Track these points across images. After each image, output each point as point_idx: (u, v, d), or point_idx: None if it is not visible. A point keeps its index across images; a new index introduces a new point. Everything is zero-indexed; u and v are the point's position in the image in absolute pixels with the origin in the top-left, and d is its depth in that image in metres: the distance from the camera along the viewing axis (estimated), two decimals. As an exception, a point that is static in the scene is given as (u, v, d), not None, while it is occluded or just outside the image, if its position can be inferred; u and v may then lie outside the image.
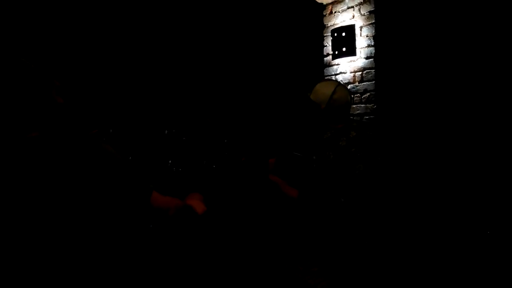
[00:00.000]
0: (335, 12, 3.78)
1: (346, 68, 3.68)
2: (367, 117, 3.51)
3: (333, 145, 2.11)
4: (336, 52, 3.63)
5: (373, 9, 3.42)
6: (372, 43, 3.45)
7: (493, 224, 2.86)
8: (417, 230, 3.18)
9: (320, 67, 3.97)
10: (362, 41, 3.52)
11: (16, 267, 1.33)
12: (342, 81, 3.72)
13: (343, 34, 3.55)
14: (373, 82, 3.46)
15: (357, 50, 3.55)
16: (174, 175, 3.84)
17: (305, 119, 2.30)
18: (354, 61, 3.60)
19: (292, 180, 2.28)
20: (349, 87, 3.66)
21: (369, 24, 3.47)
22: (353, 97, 3.63)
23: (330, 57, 3.84)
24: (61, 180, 1.39)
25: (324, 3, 3.85)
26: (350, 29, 3.53)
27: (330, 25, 3.82)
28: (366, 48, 3.50)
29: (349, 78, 3.66)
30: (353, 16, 3.58)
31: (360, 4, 3.52)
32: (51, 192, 1.38)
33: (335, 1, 3.77)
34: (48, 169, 1.39)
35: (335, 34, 3.61)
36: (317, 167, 2.16)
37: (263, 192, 3.48)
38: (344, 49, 3.56)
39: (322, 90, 2.15)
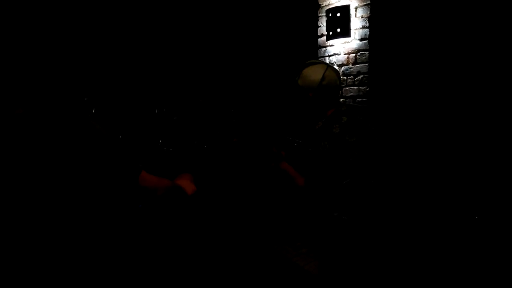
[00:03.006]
0: (330, -9, 3.71)
1: (340, 50, 3.63)
2: (360, 99, 3.49)
3: (327, 134, 2.07)
4: (331, 33, 3.58)
5: (369, -11, 3.36)
6: (367, 25, 3.41)
7: (480, 206, 2.89)
8: (409, 215, 3.21)
9: (314, 48, 3.92)
10: (357, 22, 3.47)
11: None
12: (335, 62, 3.68)
13: (338, 14, 3.49)
14: (367, 64, 3.43)
15: (352, 31, 3.51)
16: (165, 155, 3.81)
17: (295, 104, 2.24)
18: (348, 42, 3.55)
19: (298, 168, 2.25)
20: (342, 68, 3.63)
21: (364, 5, 3.42)
22: (346, 79, 3.60)
23: (324, 38, 3.78)
24: (47, 157, 1.36)
25: (320, -18, 3.78)
26: (345, 9, 3.48)
27: (325, 5, 3.75)
28: (361, 30, 3.45)
29: (343, 59, 3.62)
30: (349, -4, 3.52)
31: (356, -16, 3.46)
32: (37, 170, 1.36)
33: (330, -20, 3.70)
34: (35, 146, 1.36)
35: (330, 14, 3.55)
36: (315, 157, 2.13)
37: (272, 179, 3.46)
38: (338, 30, 3.51)
39: (310, 76, 2.06)
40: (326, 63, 2.17)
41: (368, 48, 3.41)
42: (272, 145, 2.32)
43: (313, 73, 2.06)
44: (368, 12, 3.39)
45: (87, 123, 1.46)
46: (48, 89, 1.51)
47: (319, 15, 3.85)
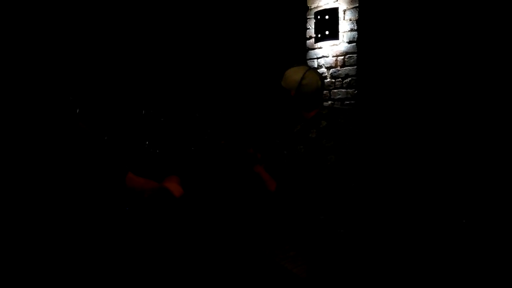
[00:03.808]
0: (319, -6, 3.72)
1: (328, 52, 3.64)
2: (348, 102, 3.50)
3: (303, 138, 2.09)
4: (319, 35, 3.58)
5: (357, -8, 3.38)
6: (355, 27, 3.42)
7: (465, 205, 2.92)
8: (396, 217, 3.22)
9: (303, 50, 3.92)
10: (345, 25, 3.49)
11: None
12: (324, 65, 3.69)
13: (327, 17, 3.50)
14: (355, 67, 3.44)
15: (340, 34, 3.52)
16: (151, 156, 3.76)
17: (278, 106, 2.26)
18: (336, 45, 3.56)
19: (273, 172, 2.26)
20: (330, 71, 3.63)
21: (352, 8, 3.43)
22: (335, 81, 3.61)
23: (312, 40, 3.79)
24: (31, 157, 1.33)
25: (308, -16, 3.78)
26: (334, 12, 3.49)
27: (314, 7, 3.76)
28: (349, 32, 3.47)
29: (331, 62, 3.62)
30: (337, -1, 3.53)
31: (344, -14, 3.47)
32: (21, 170, 1.32)
33: (319, -17, 3.70)
34: (19, 146, 1.33)
35: (318, 17, 3.56)
36: (288, 161, 2.14)
37: (245, 181, 3.45)
38: (327, 32, 3.52)
39: (292, 76, 2.11)
40: (308, 66, 2.19)
41: (356, 50, 3.43)
42: (249, 147, 2.32)
43: (294, 73, 2.12)
44: (357, 15, 3.40)
45: (72, 123, 1.43)
46: (32, 89, 1.48)
47: (308, 17, 3.85)
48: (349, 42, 3.47)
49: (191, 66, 4.88)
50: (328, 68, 3.66)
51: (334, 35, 3.51)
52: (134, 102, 4.16)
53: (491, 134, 2.88)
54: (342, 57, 3.53)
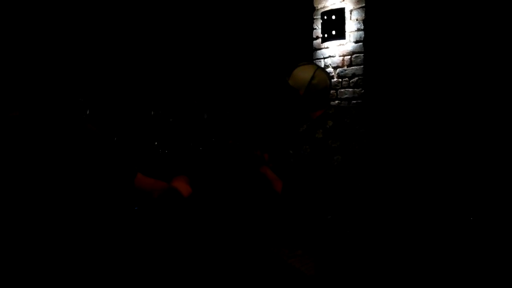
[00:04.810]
0: (325, -6, 3.73)
1: (335, 52, 3.65)
2: (355, 101, 3.51)
3: (310, 138, 2.08)
4: (326, 35, 3.60)
5: (363, -8, 3.38)
6: (362, 27, 3.43)
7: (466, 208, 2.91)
8: (399, 215, 3.23)
9: (309, 50, 3.94)
10: (352, 25, 3.49)
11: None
12: (330, 64, 3.70)
13: (333, 17, 3.51)
14: (362, 66, 3.45)
15: (347, 34, 3.53)
16: (160, 156, 3.80)
17: (284, 105, 2.24)
18: (343, 44, 3.57)
19: (279, 173, 2.26)
20: (337, 71, 3.64)
21: (359, 8, 3.44)
22: (341, 81, 3.62)
23: (319, 40, 3.80)
24: (42, 159, 1.36)
25: (315, -16, 3.80)
26: (340, 12, 3.49)
27: (320, 8, 3.78)
28: (356, 32, 3.47)
29: (338, 61, 3.63)
30: (344, -1, 3.55)
31: (350, -14, 3.48)
32: (32, 172, 1.36)
33: (325, -17, 3.72)
34: (31, 148, 1.36)
35: (325, 17, 3.57)
36: (294, 161, 2.13)
37: (252, 182, 3.47)
38: (333, 32, 3.53)
39: (301, 75, 2.08)
40: (317, 65, 2.18)
41: (363, 50, 3.43)
42: (256, 148, 2.33)
43: (303, 72, 2.09)
44: (363, 15, 3.41)
45: (82, 124, 1.46)
46: (43, 91, 1.51)
47: (315, 17, 3.87)
48: (356, 42, 3.47)
49: (199, 67, 4.91)
50: (335, 68, 3.67)
51: (341, 35, 3.52)
52: (143, 103, 4.21)
53: (499, 133, 2.87)
54: (349, 56, 3.54)
